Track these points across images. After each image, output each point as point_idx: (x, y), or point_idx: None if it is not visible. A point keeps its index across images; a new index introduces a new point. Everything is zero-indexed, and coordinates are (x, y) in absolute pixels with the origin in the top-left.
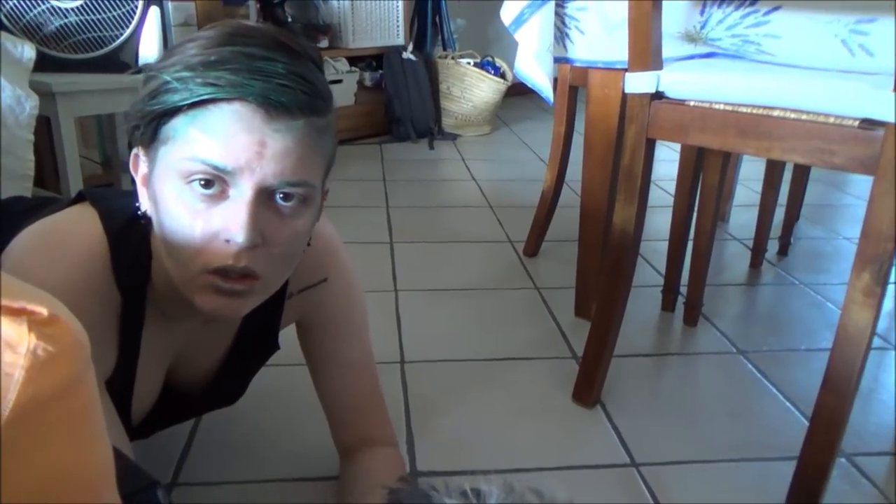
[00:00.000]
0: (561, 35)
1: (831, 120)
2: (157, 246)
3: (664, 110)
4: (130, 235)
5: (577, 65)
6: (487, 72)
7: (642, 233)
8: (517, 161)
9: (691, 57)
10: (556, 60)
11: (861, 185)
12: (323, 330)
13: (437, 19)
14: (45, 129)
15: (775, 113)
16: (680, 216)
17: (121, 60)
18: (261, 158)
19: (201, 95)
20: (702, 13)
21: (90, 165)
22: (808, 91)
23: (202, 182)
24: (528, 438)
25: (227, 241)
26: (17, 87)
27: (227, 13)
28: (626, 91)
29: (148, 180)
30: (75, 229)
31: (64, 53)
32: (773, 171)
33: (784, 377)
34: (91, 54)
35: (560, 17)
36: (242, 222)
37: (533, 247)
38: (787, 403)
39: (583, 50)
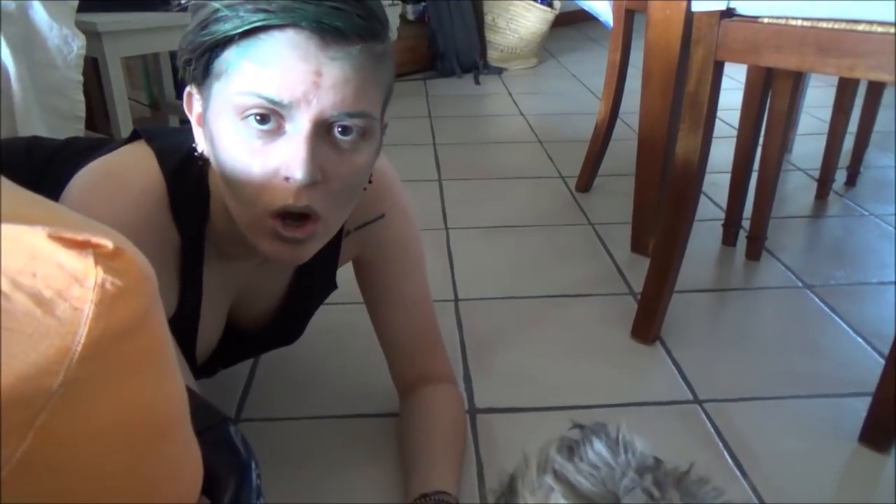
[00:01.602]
0: None
1: None
2: (216, 185)
3: (735, 29)
4: (187, 174)
5: None
6: (534, 0)
7: (707, 164)
8: (566, 94)
9: None
10: None
11: None
12: (380, 266)
13: None
14: (92, 70)
15: (860, 27)
16: (744, 145)
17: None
18: (317, 89)
19: (253, 22)
20: None
21: (138, 108)
22: None
23: (258, 117)
24: (587, 375)
25: (287, 178)
26: (64, 26)
27: None
28: (693, 9)
29: (203, 119)
30: (133, 168)
31: None
32: (845, 94)
33: (854, 311)
34: None
35: None
36: (301, 159)
37: (585, 182)
38: (858, 338)
39: None
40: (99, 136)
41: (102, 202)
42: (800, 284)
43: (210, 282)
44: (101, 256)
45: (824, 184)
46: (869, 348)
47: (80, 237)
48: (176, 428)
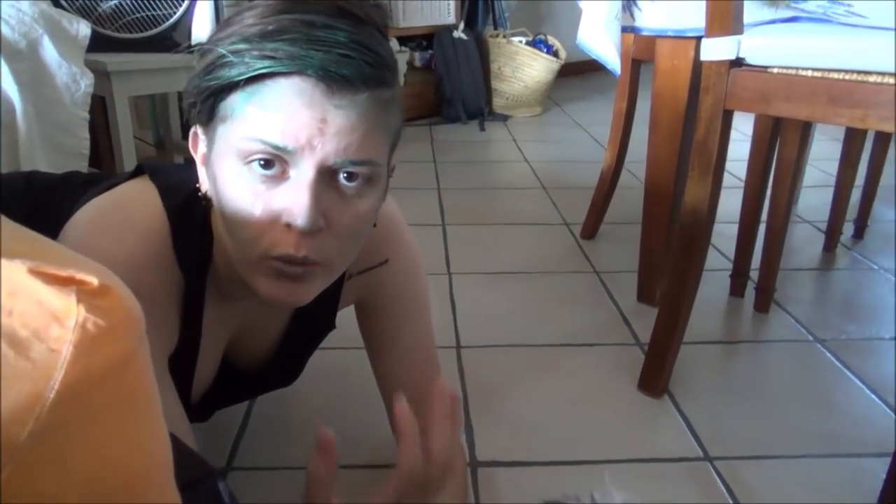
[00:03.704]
0: (628, 3)
1: None
2: (218, 226)
3: (744, 78)
4: (191, 213)
5: (645, 34)
6: (540, 50)
7: (716, 212)
8: (570, 141)
9: (772, 22)
10: (623, 30)
11: None
12: (384, 312)
13: None
14: (99, 109)
15: (872, 78)
16: (752, 195)
17: (174, 40)
18: (322, 136)
19: (258, 69)
20: None
21: (143, 147)
22: None
23: (262, 162)
24: (593, 428)
25: (289, 225)
26: (73, 64)
27: None
28: (703, 58)
29: (207, 159)
30: (137, 204)
31: (118, 33)
32: (853, 147)
33: (866, 367)
34: (145, 33)
35: None
36: (303, 205)
37: (591, 229)
38: (873, 395)
39: (652, 18)
40: (100, 172)
41: (106, 239)
42: (810, 338)
43: (209, 320)
44: (85, 294)
45: (832, 236)
46: (884, 406)
47: (64, 273)
48: (157, 480)
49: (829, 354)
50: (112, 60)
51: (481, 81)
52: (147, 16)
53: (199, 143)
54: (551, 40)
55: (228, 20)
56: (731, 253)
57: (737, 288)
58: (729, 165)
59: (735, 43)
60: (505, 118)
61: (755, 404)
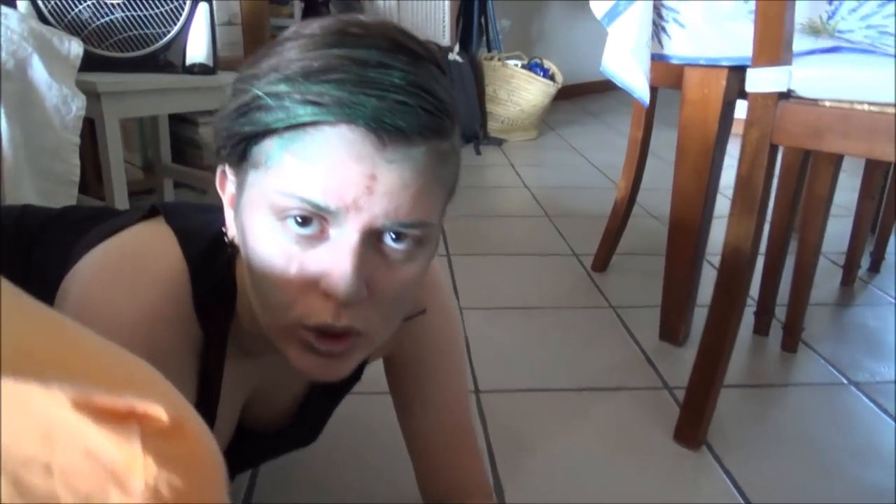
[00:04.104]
0: (656, 29)
1: None
2: (243, 278)
3: (794, 112)
4: (213, 262)
5: (674, 62)
6: (536, 74)
7: (758, 251)
8: (568, 166)
9: (812, 52)
10: (650, 58)
11: None
12: (417, 366)
13: (483, 20)
14: (86, 131)
15: None
16: (779, 229)
17: (167, 60)
18: (370, 194)
19: (300, 117)
20: (830, 2)
21: (131, 170)
22: None
23: (298, 219)
24: (630, 484)
25: (327, 292)
26: (64, 85)
27: (273, 12)
28: (749, 89)
29: (236, 203)
30: (152, 252)
31: (108, 52)
32: (873, 179)
33: None
34: (136, 53)
35: (656, 9)
36: (345, 272)
37: (602, 261)
38: None
39: (682, 45)
40: (98, 205)
41: (118, 291)
42: (844, 380)
43: (228, 380)
44: (152, 436)
45: (850, 270)
46: None
47: (121, 403)
48: None
49: (865, 398)
50: (103, 81)
51: (476, 104)
52: (139, 34)
53: (227, 183)
54: (547, 64)
55: (267, 50)
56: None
57: (761, 326)
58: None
59: (786, 74)
60: (500, 142)
61: (798, 455)
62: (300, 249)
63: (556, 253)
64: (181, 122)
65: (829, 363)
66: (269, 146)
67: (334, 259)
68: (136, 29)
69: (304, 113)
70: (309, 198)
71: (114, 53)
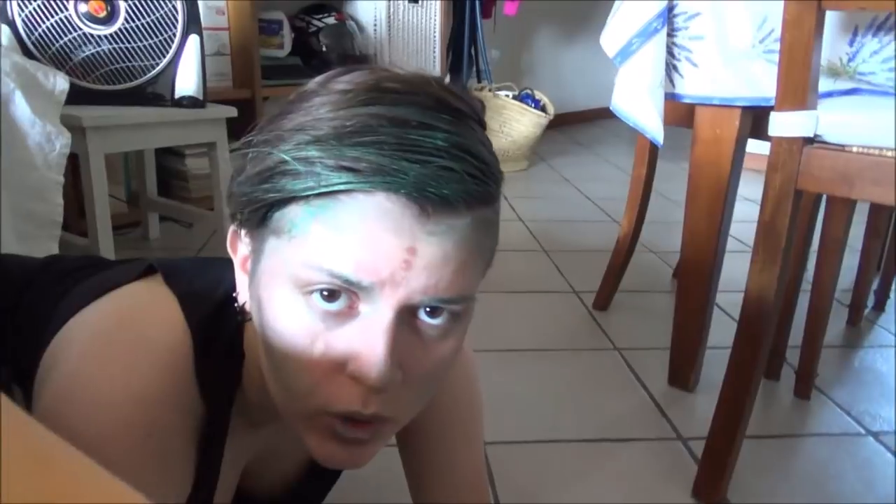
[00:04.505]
0: (667, 68)
1: None
2: (253, 347)
3: (821, 157)
4: (219, 331)
5: (686, 101)
6: (528, 105)
7: (781, 300)
8: (562, 199)
9: (830, 94)
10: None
11: None
12: (435, 434)
13: (474, 50)
14: (69, 164)
15: None
16: (791, 272)
17: (155, 93)
18: (409, 270)
19: (333, 185)
20: (850, 44)
21: (115, 203)
22: None
23: (325, 293)
24: None
25: (355, 376)
26: (48, 122)
27: (263, 42)
28: (772, 133)
29: (250, 269)
30: (150, 319)
31: (94, 84)
32: (879, 217)
33: None
34: (124, 85)
35: (668, 47)
36: (378, 355)
37: (604, 300)
38: None
39: (694, 85)
40: (87, 257)
41: (116, 368)
42: (862, 430)
43: (228, 451)
44: None
45: (857, 310)
46: None
47: None
48: None
49: (885, 450)
50: (88, 115)
51: None
52: (127, 66)
53: (239, 244)
54: (538, 95)
55: (291, 107)
56: None
57: (772, 370)
58: (733, 228)
59: (812, 118)
60: None
61: None
62: (326, 328)
63: (555, 290)
64: (167, 154)
65: (844, 411)
66: (295, 213)
67: (365, 340)
68: (124, 61)
69: (339, 181)
70: (339, 272)
71: (100, 86)
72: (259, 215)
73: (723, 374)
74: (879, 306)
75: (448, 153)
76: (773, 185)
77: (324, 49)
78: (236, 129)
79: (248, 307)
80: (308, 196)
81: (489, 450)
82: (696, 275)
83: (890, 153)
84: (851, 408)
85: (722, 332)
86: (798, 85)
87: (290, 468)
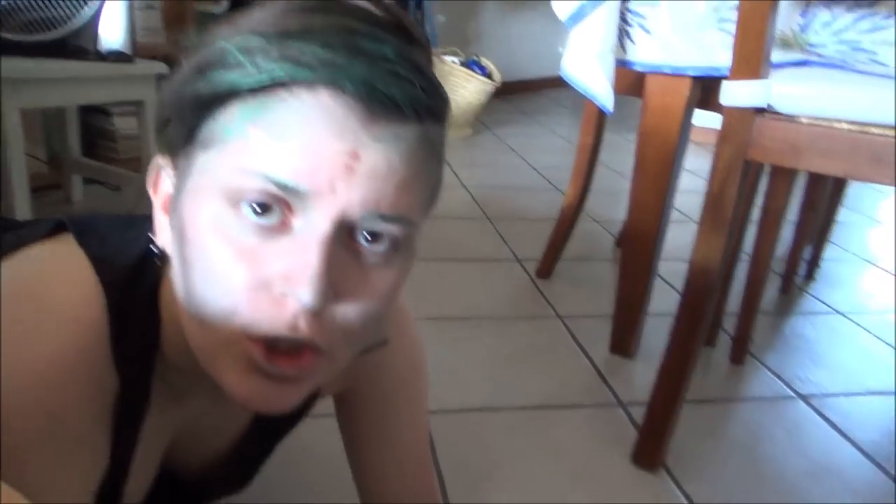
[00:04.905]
0: (620, 34)
1: None
2: (170, 298)
3: (772, 128)
4: (136, 292)
5: (638, 69)
6: (474, 71)
7: (725, 269)
8: (506, 166)
9: (780, 65)
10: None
11: (854, 199)
12: (378, 403)
13: (420, 15)
14: None
15: None
16: (734, 242)
17: (78, 46)
18: (350, 176)
19: (274, 76)
20: (803, 15)
21: (33, 163)
22: None
23: (257, 206)
24: None
25: (284, 294)
26: None
27: None
28: (724, 103)
29: (172, 204)
30: (59, 283)
31: (10, 35)
32: (816, 190)
33: (853, 425)
34: (42, 36)
35: (622, 13)
36: (312, 272)
37: (547, 268)
38: (866, 460)
39: (646, 52)
40: None
41: (16, 337)
42: (792, 394)
43: (148, 429)
44: None
45: (789, 278)
46: (881, 472)
47: None
48: None
49: (814, 413)
50: (3, 66)
51: None
52: (45, 16)
53: (162, 179)
54: (484, 62)
55: (233, 17)
56: None
57: (709, 337)
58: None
59: (766, 88)
60: None
61: (755, 476)
62: (256, 242)
63: (498, 258)
64: (93, 112)
65: (777, 375)
66: (229, 117)
67: (298, 254)
68: (43, 10)
69: (281, 70)
70: (275, 176)
71: (17, 36)
72: (189, 125)
73: (662, 342)
74: (810, 275)
75: (397, 62)
76: (722, 156)
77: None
78: None
79: (167, 250)
80: (243, 92)
81: (430, 419)
82: (640, 243)
83: (839, 124)
84: (783, 372)
85: (660, 300)
86: (753, 54)
87: (220, 446)
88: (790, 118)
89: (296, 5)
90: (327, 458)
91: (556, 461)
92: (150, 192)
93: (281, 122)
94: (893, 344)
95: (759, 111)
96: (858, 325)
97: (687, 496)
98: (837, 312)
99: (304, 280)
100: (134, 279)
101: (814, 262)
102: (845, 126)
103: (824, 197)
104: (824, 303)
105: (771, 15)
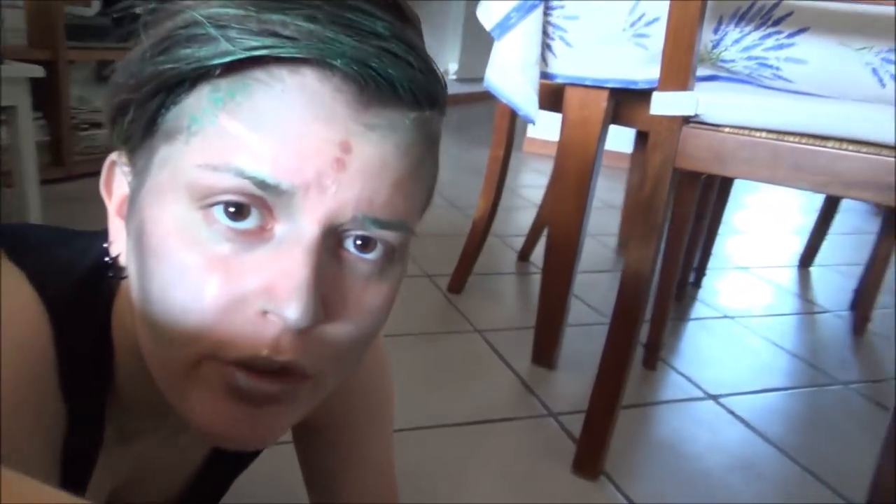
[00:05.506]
0: (542, 47)
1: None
2: (125, 319)
3: (698, 136)
4: (85, 310)
5: (559, 81)
6: None
7: (654, 276)
8: None
9: None
10: None
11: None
12: (346, 427)
13: None
14: None
15: (829, 144)
16: None
17: None
18: (341, 171)
19: (252, 50)
20: (715, 31)
21: None
22: (879, 120)
23: (231, 208)
24: None
25: (265, 311)
26: None
27: None
28: (654, 112)
29: (130, 205)
30: None
31: None
32: (706, 200)
33: (761, 420)
34: None
35: (543, 25)
36: (298, 283)
37: (459, 282)
38: (779, 453)
39: (566, 64)
40: None
41: None
42: (705, 396)
43: (96, 469)
44: None
45: (682, 285)
46: (794, 464)
47: None
48: None
49: (726, 412)
50: None
51: None
52: None
53: (116, 177)
54: None
55: None
56: (602, 306)
57: None
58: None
59: (693, 98)
60: None
61: (685, 475)
62: (230, 250)
63: (409, 275)
64: None
65: (687, 378)
66: (196, 104)
67: (282, 265)
68: None
69: (259, 45)
70: (252, 171)
71: None
72: (148, 113)
73: (579, 351)
74: (698, 282)
75: (390, 41)
76: (652, 164)
77: (139, 11)
78: (36, 97)
79: (125, 260)
80: (214, 70)
81: None
82: (562, 255)
83: (759, 133)
84: (691, 375)
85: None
86: (681, 67)
87: (173, 484)
88: (715, 127)
89: None
90: (278, 482)
91: (498, 476)
92: (103, 193)
93: (259, 107)
94: (780, 343)
95: (687, 121)
96: (746, 327)
97: (629, 500)
98: (727, 317)
99: (289, 294)
100: (82, 298)
101: (701, 270)
102: (764, 135)
103: (710, 206)
104: (714, 307)
105: (698, 30)
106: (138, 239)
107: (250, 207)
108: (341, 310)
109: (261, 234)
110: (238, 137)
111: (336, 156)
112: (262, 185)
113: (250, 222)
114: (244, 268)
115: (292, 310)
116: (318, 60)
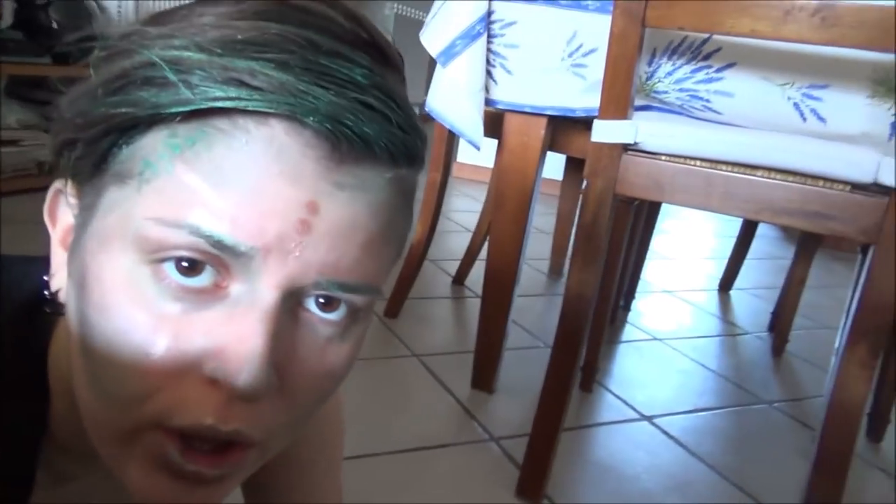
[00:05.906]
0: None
1: (820, 183)
2: (61, 360)
3: (638, 164)
4: (19, 348)
5: (500, 107)
6: None
7: (597, 300)
8: None
9: None
10: None
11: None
12: (301, 468)
13: None
14: None
15: (758, 173)
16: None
17: None
18: (305, 234)
19: (215, 101)
20: (649, 63)
21: None
22: (804, 151)
23: (183, 263)
24: None
25: (214, 377)
26: None
27: None
28: (594, 139)
29: (74, 243)
30: None
31: None
32: (635, 226)
33: (694, 441)
34: None
35: (485, 53)
36: (252, 351)
37: (396, 307)
38: (713, 473)
39: (507, 91)
40: None
41: None
42: (638, 416)
43: None
44: None
45: (614, 309)
46: (728, 484)
47: None
48: None
49: (660, 433)
50: None
51: None
52: None
53: (60, 207)
54: None
55: (162, 16)
56: (535, 329)
57: None
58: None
59: (633, 127)
60: None
61: (626, 496)
62: (180, 310)
63: None
64: None
65: (623, 400)
66: (150, 148)
67: (235, 328)
68: None
69: (224, 94)
70: (208, 230)
71: None
72: (98, 152)
73: (516, 375)
74: (627, 306)
75: (368, 91)
76: (593, 190)
77: (55, 26)
78: None
79: (65, 297)
80: (172, 118)
81: None
82: (500, 280)
83: (693, 162)
84: (626, 397)
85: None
86: (621, 95)
87: None
88: (653, 155)
89: (244, 10)
90: None
91: (441, 500)
92: (47, 220)
93: (219, 159)
94: (706, 364)
95: (626, 149)
96: (675, 349)
97: None
98: (656, 339)
99: (240, 362)
100: (17, 332)
101: (630, 293)
102: (699, 163)
103: (639, 232)
104: (643, 330)
105: (637, 60)
106: (80, 285)
107: (204, 264)
108: (297, 376)
109: (214, 293)
110: (195, 191)
111: (301, 217)
112: (218, 245)
113: (204, 279)
114: (194, 329)
115: (243, 378)
116: (290, 114)
